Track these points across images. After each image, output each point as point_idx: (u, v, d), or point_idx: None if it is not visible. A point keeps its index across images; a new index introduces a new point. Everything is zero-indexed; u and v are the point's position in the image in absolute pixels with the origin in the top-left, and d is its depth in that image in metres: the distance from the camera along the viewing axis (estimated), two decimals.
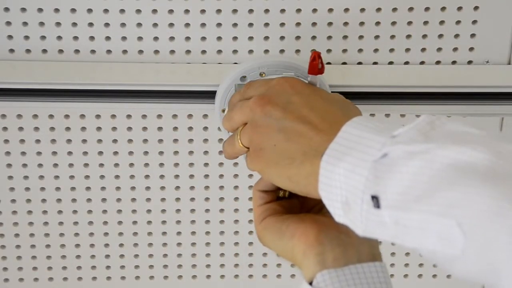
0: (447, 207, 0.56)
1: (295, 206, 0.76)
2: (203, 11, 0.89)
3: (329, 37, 0.91)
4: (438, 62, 0.93)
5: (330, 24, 0.90)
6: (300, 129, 0.68)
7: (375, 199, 0.59)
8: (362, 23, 0.90)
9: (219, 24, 0.90)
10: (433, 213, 0.57)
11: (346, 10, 0.90)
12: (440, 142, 0.58)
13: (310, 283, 0.66)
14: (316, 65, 0.74)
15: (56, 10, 0.89)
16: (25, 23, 0.89)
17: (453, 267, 0.58)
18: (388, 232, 0.60)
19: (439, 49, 0.92)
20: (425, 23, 0.91)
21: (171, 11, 0.89)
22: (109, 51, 0.91)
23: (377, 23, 0.91)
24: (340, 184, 0.62)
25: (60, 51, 0.91)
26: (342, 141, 0.63)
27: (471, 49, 0.92)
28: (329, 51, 0.91)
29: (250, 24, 0.90)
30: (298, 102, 0.71)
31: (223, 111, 0.86)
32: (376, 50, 0.92)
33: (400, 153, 0.59)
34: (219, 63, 0.92)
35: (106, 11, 0.89)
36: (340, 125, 0.64)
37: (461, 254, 0.56)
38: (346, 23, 0.90)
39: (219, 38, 0.91)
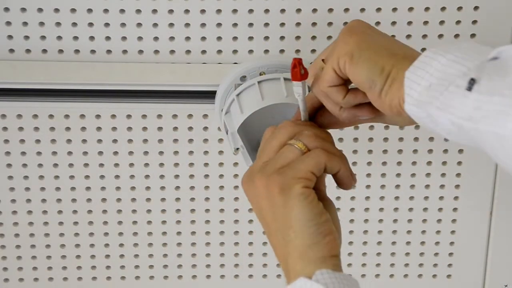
0: None
1: None
2: (203, 11, 0.89)
3: (329, 37, 0.91)
4: None
5: (330, 24, 0.90)
6: (401, 44, 0.69)
7: (472, 81, 0.60)
8: None
9: (219, 24, 0.90)
10: None
11: (346, 10, 0.90)
12: None
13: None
14: (298, 71, 0.74)
15: (56, 10, 0.89)
16: (25, 23, 0.89)
17: None
18: (466, 109, 0.61)
19: None
20: (425, 23, 0.91)
21: (171, 11, 0.89)
22: (109, 51, 0.91)
23: (377, 23, 0.91)
24: (435, 71, 0.63)
25: (60, 51, 0.91)
26: (452, 45, 0.64)
27: None
28: None
29: (250, 24, 0.90)
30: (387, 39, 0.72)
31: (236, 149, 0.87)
32: None
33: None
34: (219, 63, 0.92)
35: (106, 11, 0.89)
36: None
37: None
38: (346, 23, 0.90)
39: (219, 38, 0.91)
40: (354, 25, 0.72)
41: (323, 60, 0.74)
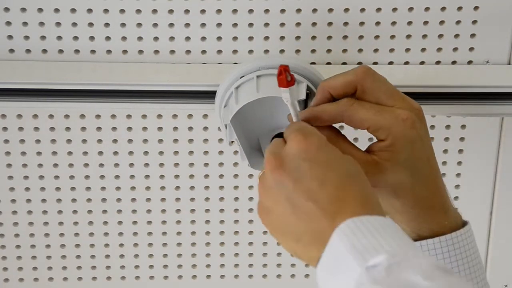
0: None
1: None
2: (203, 11, 0.89)
3: (329, 37, 0.91)
4: (438, 62, 0.93)
5: (330, 24, 0.90)
6: (307, 207, 0.67)
7: None
8: (362, 23, 0.90)
9: (219, 24, 0.90)
10: None
11: (346, 10, 0.90)
12: None
13: None
14: (284, 78, 0.74)
15: (56, 10, 0.89)
16: (25, 23, 0.89)
17: None
18: None
19: (439, 49, 0.92)
20: (425, 23, 0.91)
21: (171, 11, 0.89)
22: (109, 51, 0.91)
23: (377, 23, 0.91)
24: None
25: (60, 51, 0.91)
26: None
27: (471, 49, 0.92)
28: (329, 51, 0.91)
29: (250, 24, 0.90)
30: (308, 173, 0.68)
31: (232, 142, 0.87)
32: (376, 50, 0.92)
33: None
34: (219, 63, 0.92)
35: (106, 11, 0.89)
36: (348, 207, 0.65)
37: None
38: (346, 23, 0.90)
39: (219, 38, 0.91)
40: (267, 179, 0.71)
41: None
